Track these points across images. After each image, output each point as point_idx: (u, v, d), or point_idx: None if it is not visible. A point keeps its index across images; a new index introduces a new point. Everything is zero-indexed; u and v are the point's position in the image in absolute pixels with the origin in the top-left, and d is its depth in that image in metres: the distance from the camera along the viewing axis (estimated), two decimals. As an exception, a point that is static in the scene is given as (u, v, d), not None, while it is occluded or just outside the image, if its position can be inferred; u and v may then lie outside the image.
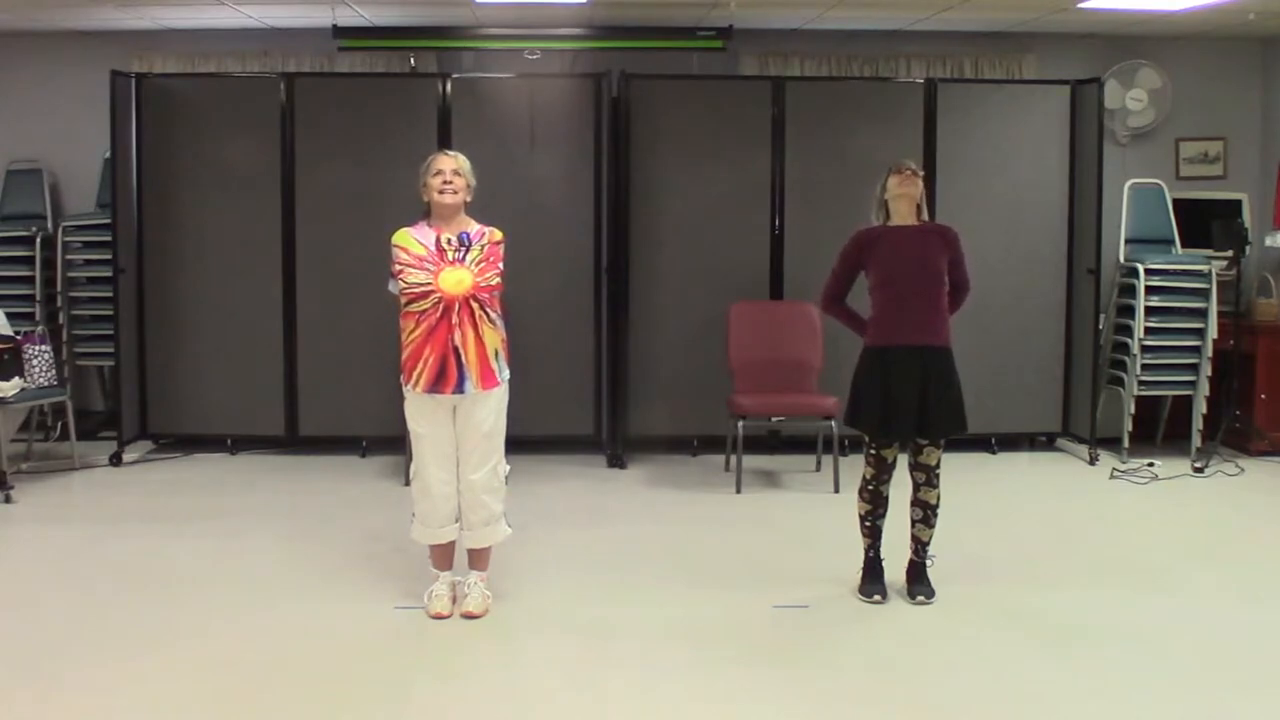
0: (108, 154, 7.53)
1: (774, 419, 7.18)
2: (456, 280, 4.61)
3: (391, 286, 4.79)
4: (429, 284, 4.62)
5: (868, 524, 5.08)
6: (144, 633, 4.60)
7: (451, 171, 4.70)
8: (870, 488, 5.03)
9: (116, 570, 5.37)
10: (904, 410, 4.86)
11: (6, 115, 8.25)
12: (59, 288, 8.01)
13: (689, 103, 7.66)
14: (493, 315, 4.73)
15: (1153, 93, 8.43)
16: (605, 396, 7.64)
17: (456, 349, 4.63)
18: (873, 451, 4.99)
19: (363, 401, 7.48)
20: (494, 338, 4.73)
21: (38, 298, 7.96)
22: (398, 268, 4.69)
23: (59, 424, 7.66)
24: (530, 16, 7.94)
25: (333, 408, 7.58)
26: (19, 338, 7.10)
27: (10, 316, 7.29)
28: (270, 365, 7.60)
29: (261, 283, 7.56)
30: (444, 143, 7.38)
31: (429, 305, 4.63)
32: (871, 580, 5.06)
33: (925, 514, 5.02)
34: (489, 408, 4.74)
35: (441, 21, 7.94)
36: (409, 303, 4.68)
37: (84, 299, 8.08)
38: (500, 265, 4.75)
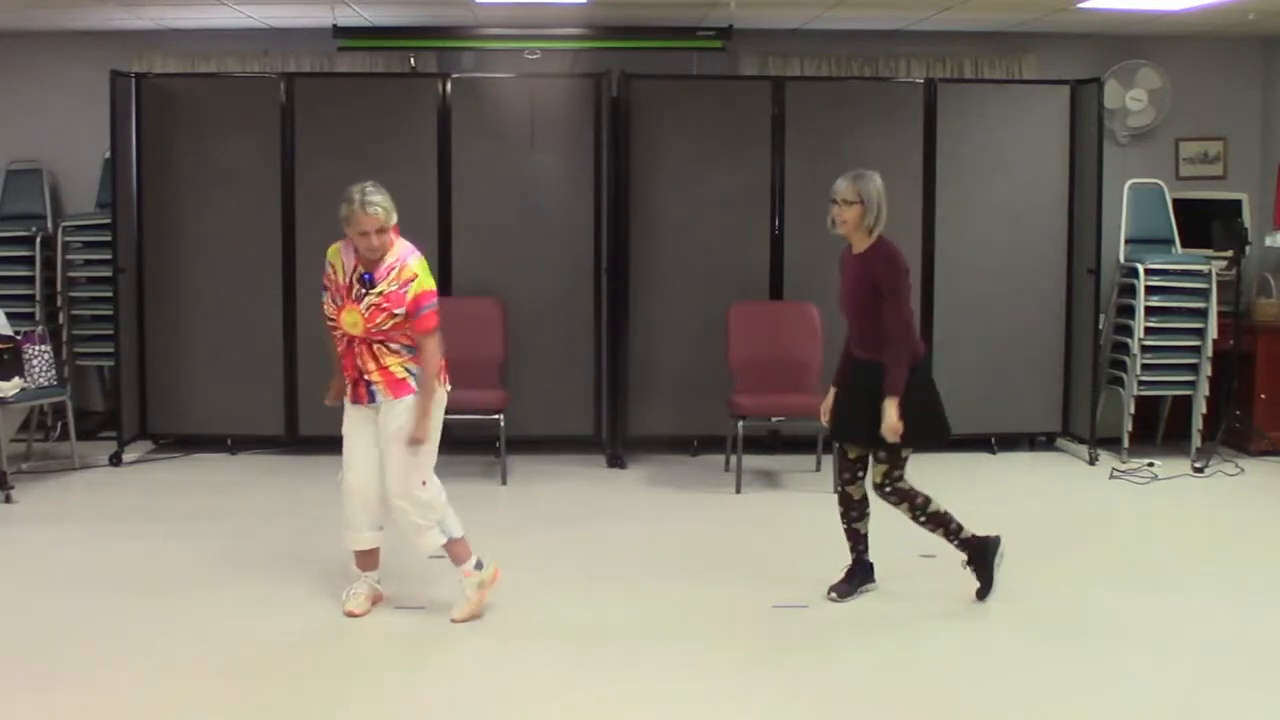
0: (108, 154, 7.54)
1: (774, 419, 7.18)
2: (352, 322, 4.70)
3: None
4: (334, 319, 4.75)
5: (843, 526, 5.09)
6: (143, 633, 4.60)
7: (376, 233, 4.58)
8: (838, 490, 5.09)
9: (116, 570, 5.37)
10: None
11: (6, 115, 8.25)
12: (59, 288, 8.01)
13: (689, 103, 7.65)
14: (395, 346, 4.71)
15: (1153, 93, 8.43)
16: (605, 396, 7.63)
17: (361, 372, 4.74)
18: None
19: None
20: (399, 364, 4.72)
21: (38, 298, 7.95)
22: (326, 284, 4.79)
23: (59, 424, 7.65)
24: (530, 16, 7.94)
25: (332, 408, 7.53)
26: (19, 338, 7.10)
27: (10, 316, 7.29)
28: (270, 365, 7.59)
29: (261, 283, 7.56)
30: (444, 143, 7.37)
31: (339, 334, 4.77)
32: (844, 580, 5.05)
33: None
34: (397, 412, 4.70)
35: (441, 21, 7.94)
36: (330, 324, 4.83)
37: (84, 299, 8.08)
38: (403, 307, 4.61)
